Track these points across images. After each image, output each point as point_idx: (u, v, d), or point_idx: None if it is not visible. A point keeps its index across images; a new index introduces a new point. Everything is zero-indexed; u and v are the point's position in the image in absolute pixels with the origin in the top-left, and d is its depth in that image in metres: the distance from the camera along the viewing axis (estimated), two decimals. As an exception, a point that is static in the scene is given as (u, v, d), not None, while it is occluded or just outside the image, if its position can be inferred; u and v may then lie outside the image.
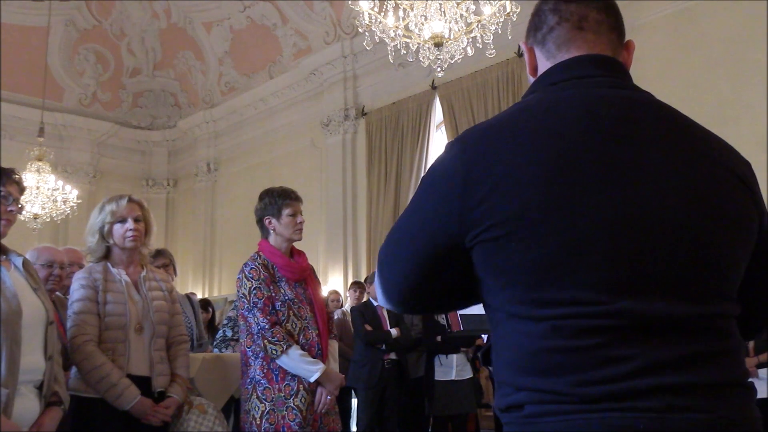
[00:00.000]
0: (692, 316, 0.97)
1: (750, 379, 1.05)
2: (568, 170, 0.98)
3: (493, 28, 5.28)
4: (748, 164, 1.12)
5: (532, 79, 1.19)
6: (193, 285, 11.75)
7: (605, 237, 0.96)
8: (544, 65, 1.16)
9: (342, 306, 7.41)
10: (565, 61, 1.12)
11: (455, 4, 5.24)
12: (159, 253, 4.16)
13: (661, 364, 0.93)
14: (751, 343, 4.82)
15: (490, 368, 1.11)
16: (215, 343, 4.54)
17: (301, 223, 3.02)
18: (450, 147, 1.08)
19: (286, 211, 2.99)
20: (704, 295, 0.99)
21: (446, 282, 1.09)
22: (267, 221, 3.02)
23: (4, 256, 2.27)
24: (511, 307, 1.00)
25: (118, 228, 2.72)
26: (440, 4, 5.21)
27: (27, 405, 2.14)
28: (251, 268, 2.92)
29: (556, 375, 0.94)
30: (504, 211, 0.98)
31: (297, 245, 3.13)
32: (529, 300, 0.98)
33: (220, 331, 4.61)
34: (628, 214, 0.97)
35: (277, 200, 3.00)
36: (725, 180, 1.04)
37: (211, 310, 5.95)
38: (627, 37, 1.20)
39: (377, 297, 1.21)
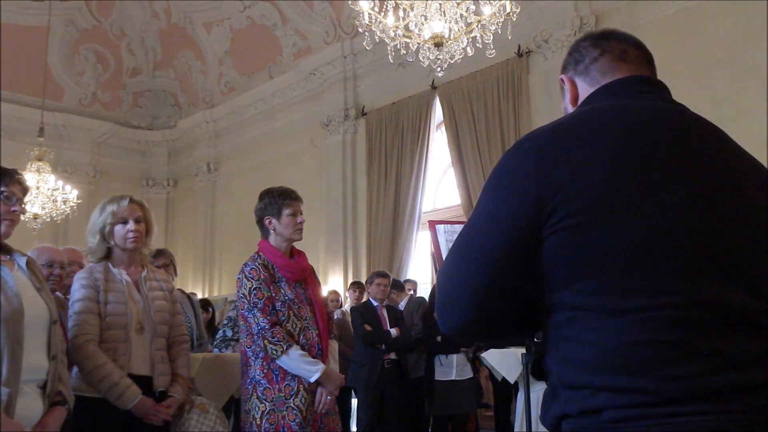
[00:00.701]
0: (766, 310, 0.98)
1: None
2: (644, 161, 1.01)
3: (493, 28, 5.28)
4: None
5: (570, 109, 1.25)
6: (193, 285, 11.75)
7: (686, 225, 0.98)
8: (586, 92, 1.22)
9: (341, 306, 7.42)
10: (617, 80, 1.19)
11: (455, 4, 5.24)
12: (159, 253, 4.17)
13: (745, 360, 0.93)
14: None
15: (547, 380, 1.06)
16: (215, 343, 4.55)
17: (301, 222, 3.02)
18: (518, 145, 1.09)
19: (286, 211, 2.99)
20: None
21: (513, 295, 1.05)
22: (267, 221, 3.02)
23: (8, 256, 2.28)
24: (586, 300, 0.97)
25: (119, 229, 2.73)
26: (440, 4, 5.21)
27: (30, 404, 2.14)
28: (251, 268, 2.92)
29: (641, 371, 0.92)
30: (583, 197, 0.98)
31: (297, 245, 3.14)
32: (609, 289, 0.96)
33: (220, 331, 4.62)
34: (703, 206, 1.00)
35: (277, 200, 3.00)
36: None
37: (211, 310, 5.95)
38: None
39: (438, 323, 1.11)
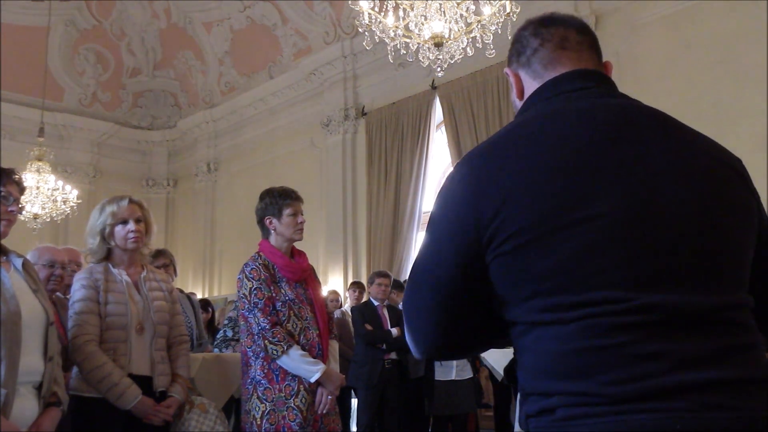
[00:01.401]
0: (716, 307, 0.98)
1: None
2: (576, 174, 1.00)
3: (493, 28, 5.28)
4: (739, 160, 1.15)
5: (518, 103, 1.23)
6: (193, 285, 11.75)
7: (623, 234, 0.98)
8: (531, 86, 1.20)
9: (341, 306, 7.41)
10: (554, 77, 1.16)
11: (455, 4, 5.24)
12: (159, 254, 4.17)
13: (691, 360, 0.93)
14: None
15: (515, 385, 1.09)
16: (216, 343, 4.55)
17: (301, 222, 3.02)
18: (455, 170, 1.10)
19: (286, 211, 2.99)
20: (723, 285, 1.00)
21: (474, 312, 1.08)
22: (268, 221, 3.02)
23: (4, 257, 2.28)
24: (536, 316, 1.00)
25: (119, 230, 2.73)
26: (440, 4, 5.21)
27: (26, 405, 2.14)
28: (252, 269, 2.92)
29: (587, 376, 0.94)
30: (519, 220, 0.99)
31: (297, 245, 3.14)
32: (555, 305, 0.98)
33: (221, 332, 4.62)
34: (641, 210, 0.99)
35: (278, 200, 3.00)
36: (724, 173, 1.08)
37: (211, 310, 5.95)
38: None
39: (408, 343, 1.17)
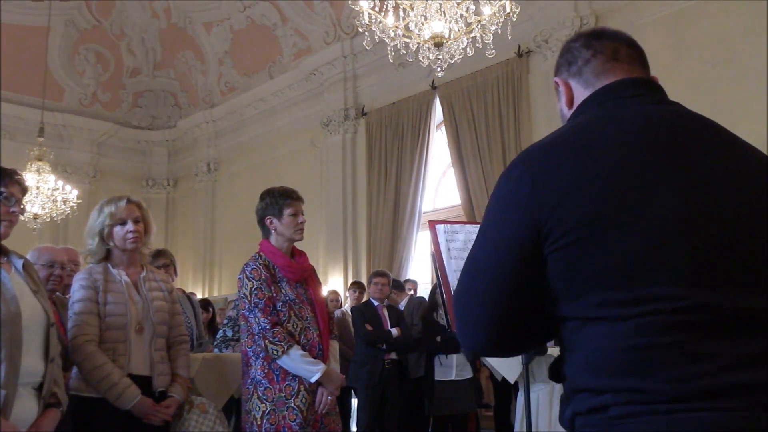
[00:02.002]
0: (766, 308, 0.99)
1: None
2: (634, 175, 1.03)
3: (493, 28, 5.28)
4: None
5: (567, 111, 1.26)
6: (193, 285, 11.75)
7: (680, 234, 1.00)
8: (582, 94, 1.23)
9: (341, 306, 7.41)
10: (609, 84, 1.19)
11: (455, 4, 5.24)
12: (160, 254, 4.17)
13: (749, 359, 0.94)
14: None
15: (563, 383, 1.10)
16: (216, 343, 4.55)
17: (302, 222, 3.02)
18: (512, 167, 1.12)
19: (287, 211, 2.99)
20: None
21: (528, 309, 1.09)
22: (268, 221, 3.02)
23: (5, 258, 2.27)
24: (590, 311, 1.01)
25: (118, 230, 2.73)
26: (440, 4, 5.20)
27: (26, 406, 2.14)
28: (252, 269, 2.92)
29: (644, 373, 0.95)
30: (577, 216, 1.02)
31: (297, 245, 3.14)
32: (611, 302, 0.99)
33: (221, 331, 4.62)
34: (697, 211, 1.01)
35: (279, 200, 3.00)
36: None
37: (211, 310, 5.95)
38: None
39: (461, 345, 1.18)
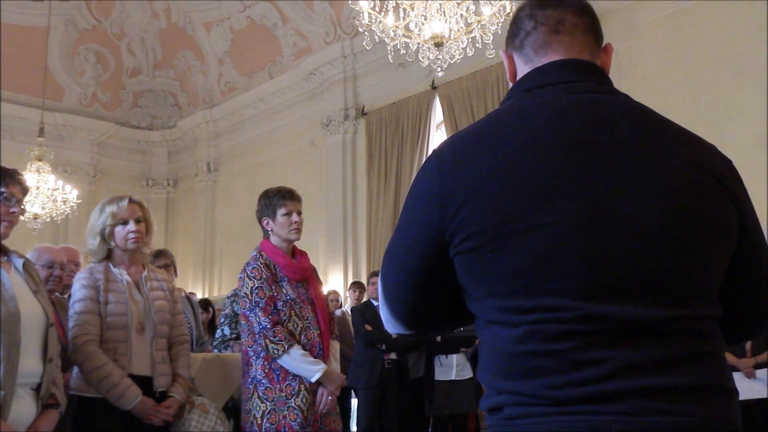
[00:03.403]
0: (667, 319, 0.97)
1: (749, 379, 1.05)
2: (539, 177, 1.00)
3: (493, 28, 5.28)
4: (728, 162, 1.11)
5: (510, 85, 1.20)
6: (193, 285, 11.75)
7: (576, 244, 0.98)
8: (523, 70, 1.17)
9: (341, 306, 7.41)
10: (539, 67, 1.13)
11: (455, 4, 5.24)
12: (160, 254, 4.17)
13: (634, 367, 0.94)
14: (748, 344, 4.74)
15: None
16: (215, 343, 4.55)
17: (296, 222, 3.00)
18: (427, 162, 1.12)
19: (280, 211, 2.99)
20: (680, 298, 0.99)
21: (444, 298, 1.12)
22: (265, 222, 3.03)
23: (5, 258, 2.27)
24: (490, 315, 1.03)
25: (119, 230, 2.73)
26: (440, 4, 5.21)
27: (24, 407, 2.14)
28: (253, 268, 2.93)
29: (531, 378, 0.97)
30: (477, 223, 1.01)
31: (297, 245, 3.14)
32: (505, 308, 1.01)
33: (219, 331, 4.62)
34: (599, 219, 0.98)
35: (272, 200, 3.01)
36: (700, 181, 1.04)
37: (211, 310, 5.95)
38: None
39: (385, 324, 1.22)
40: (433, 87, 8.63)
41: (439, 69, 5.45)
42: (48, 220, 9.87)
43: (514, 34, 1.18)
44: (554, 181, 0.99)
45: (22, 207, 2.29)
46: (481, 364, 1.08)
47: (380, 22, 5.29)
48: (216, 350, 4.43)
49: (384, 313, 1.17)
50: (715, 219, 1.04)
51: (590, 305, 0.96)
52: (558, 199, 0.98)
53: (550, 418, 0.95)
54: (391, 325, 1.17)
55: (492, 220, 1.00)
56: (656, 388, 0.94)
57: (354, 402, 6.42)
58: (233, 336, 4.32)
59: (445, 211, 1.03)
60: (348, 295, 7.47)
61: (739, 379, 4.32)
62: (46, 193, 9.50)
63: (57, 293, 3.21)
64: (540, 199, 0.99)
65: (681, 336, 0.98)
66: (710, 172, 1.05)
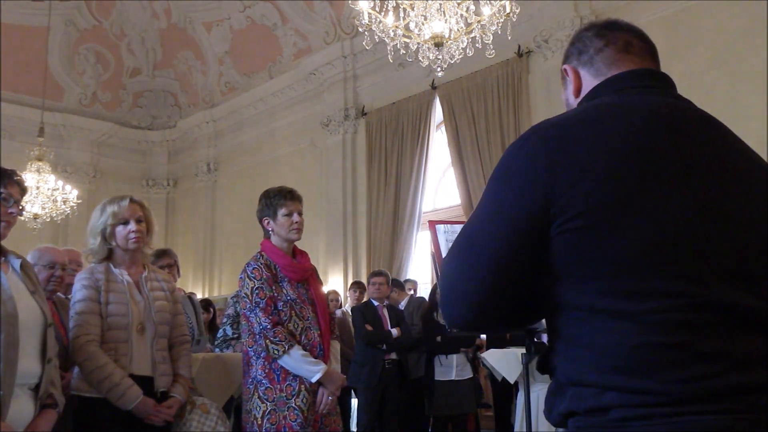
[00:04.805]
0: None
1: None
2: (653, 163, 1.01)
3: (493, 28, 5.28)
4: None
5: (573, 100, 1.23)
6: (193, 285, 11.75)
7: (691, 229, 0.98)
8: (591, 83, 1.20)
9: (341, 306, 7.42)
10: (622, 72, 1.17)
11: (455, 4, 5.24)
12: (163, 253, 4.16)
13: (753, 360, 0.93)
14: None
15: (553, 374, 1.06)
16: (216, 343, 4.54)
17: (297, 222, 3.00)
18: (525, 141, 1.07)
19: (281, 211, 2.99)
20: None
21: (518, 289, 1.06)
22: (265, 222, 3.03)
23: (3, 258, 2.27)
24: (596, 300, 0.98)
25: (120, 230, 2.73)
26: (440, 4, 5.20)
27: (22, 407, 2.14)
28: (254, 268, 2.93)
29: (649, 372, 0.93)
30: (591, 199, 0.98)
31: (298, 245, 3.14)
32: (618, 291, 0.97)
33: (221, 330, 4.61)
34: (711, 208, 1.00)
35: (273, 201, 3.00)
36: None
37: (212, 310, 5.95)
38: None
39: (441, 315, 1.14)
40: (433, 87, 8.63)
41: (439, 69, 5.45)
42: (48, 220, 9.87)
43: (581, 50, 1.23)
44: (668, 169, 1.01)
45: (21, 207, 2.28)
46: (573, 362, 1.00)
47: (380, 22, 5.29)
48: (218, 349, 4.42)
49: (448, 300, 1.09)
50: None
51: (709, 291, 0.95)
52: (673, 185, 1.00)
53: (666, 419, 0.90)
54: (453, 313, 1.09)
55: (606, 198, 0.98)
56: None
57: (354, 402, 6.42)
58: (235, 336, 4.32)
59: (555, 185, 1.00)
60: (348, 295, 7.47)
61: None
62: (46, 193, 9.50)
63: (59, 293, 3.21)
64: (656, 183, 0.99)
65: None
66: None
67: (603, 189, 0.98)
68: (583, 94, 1.21)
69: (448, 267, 1.10)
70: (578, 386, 0.99)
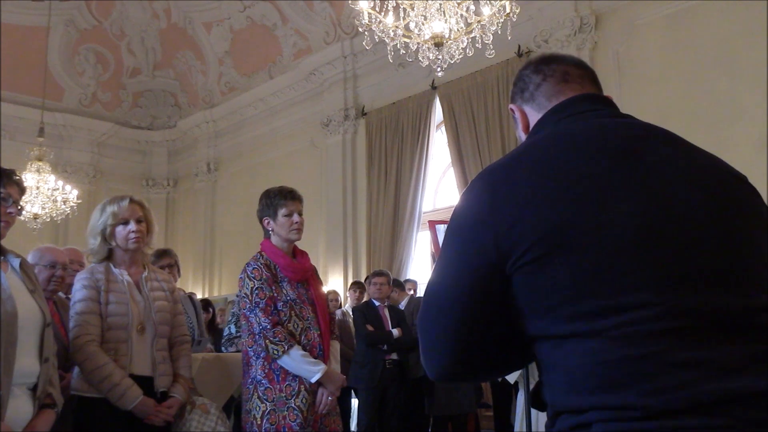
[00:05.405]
0: (745, 309, 0.97)
1: None
2: (594, 181, 1.02)
3: (493, 28, 5.28)
4: (746, 177, 1.16)
5: (523, 136, 1.27)
6: (193, 285, 11.75)
7: (648, 237, 0.98)
8: (535, 118, 1.24)
9: (341, 306, 7.41)
10: (561, 101, 1.20)
11: (455, 4, 5.24)
12: (164, 253, 4.16)
13: (731, 367, 0.92)
14: None
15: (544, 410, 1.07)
16: (222, 341, 4.55)
17: (297, 223, 3.00)
18: (471, 186, 1.12)
19: (281, 212, 2.99)
20: (750, 287, 1.00)
21: (490, 335, 1.07)
22: (265, 222, 3.03)
23: (2, 258, 2.27)
24: (565, 327, 0.99)
25: (120, 230, 2.73)
26: (440, 4, 5.21)
27: (20, 407, 2.14)
28: (253, 268, 2.93)
29: (624, 387, 0.92)
30: (539, 229, 1.00)
31: (298, 245, 3.14)
32: (582, 313, 0.97)
33: (226, 329, 4.63)
34: (662, 213, 1.00)
35: (273, 201, 3.00)
36: (738, 185, 1.10)
37: (211, 310, 5.96)
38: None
39: (425, 369, 1.16)
40: (433, 87, 8.63)
41: (439, 69, 5.45)
42: (48, 220, 9.87)
43: (522, 89, 1.27)
44: (610, 186, 1.02)
45: (20, 207, 2.28)
46: (554, 390, 1.01)
47: (380, 22, 5.29)
48: (223, 348, 4.43)
49: (426, 352, 1.12)
50: (761, 215, 1.09)
51: (673, 298, 0.95)
52: (616, 200, 1.00)
53: None
54: (432, 365, 1.11)
55: (554, 224, 0.99)
56: (754, 393, 0.91)
57: (354, 402, 6.41)
58: (238, 334, 4.34)
59: (500, 224, 1.02)
60: (348, 295, 7.47)
61: None
62: (46, 193, 9.50)
63: (60, 293, 3.20)
64: (598, 202, 1.00)
65: (761, 331, 0.97)
66: (742, 179, 1.13)
67: (546, 220, 1.00)
68: (530, 129, 1.25)
69: (421, 323, 1.13)
70: (563, 413, 1.00)
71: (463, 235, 1.08)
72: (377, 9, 5.31)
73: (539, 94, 1.24)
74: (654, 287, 0.95)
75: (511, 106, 1.31)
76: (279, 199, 3.00)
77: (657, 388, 0.91)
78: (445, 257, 1.10)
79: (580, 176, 1.02)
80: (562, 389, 0.99)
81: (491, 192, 1.06)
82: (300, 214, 3.03)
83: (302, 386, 2.82)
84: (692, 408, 0.90)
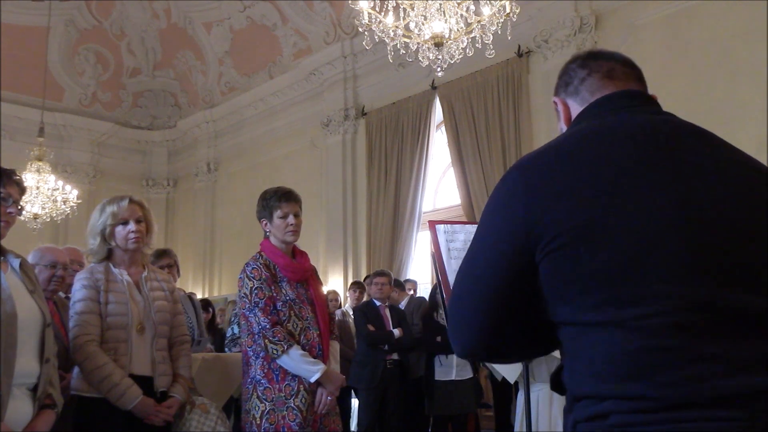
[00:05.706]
0: (765, 307, 0.98)
1: None
2: (628, 178, 1.04)
3: (493, 28, 5.28)
4: None
5: (565, 129, 1.28)
6: (193, 285, 11.75)
7: (675, 233, 1.00)
8: (577, 112, 1.26)
9: (340, 306, 7.41)
10: (603, 96, 1.22)
11: (455, 4, 5.24)
12: (163, 253, 4.16)
13: (746, 363, 0.93)
14: None
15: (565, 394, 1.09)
16: (225, 342, 4.55)
17: (293, 225, 2.99)
18: (507, 173, 1.14)
19: (276, 214, 2.99)
20: None
21: (523, 315, 1.10)
22: (263, 223, 3.03)
23: (2, 258, 2.27)
24: (586, 315, 1.01)
25: (120, 230, 2.73)
26: (440, 4, 5.20)
27: (20, 407, 2.13)
28: (253, 268, 2.93)
29: (643, 377, 0.94)
30: (570, 218, 1.02)
31: (297, 245, 3.14)
32: (606, 302, 0.99)
33: (229, 329, 4.63)
34: (692, 212, 1.01)
35: (269, 202, 3.01)
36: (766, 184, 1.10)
37: (211, 310, 5.96)
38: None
39: (453, 347, 1.19)
40: (433, 87, 8.63)
41: (439, 69, 5.45)
42: (48, 220, 9.87)
43: (567, 82, 1.29)
44: (645, 180, 1.04)
45: (20, 207, 2.28)
46: (575, 376, 1.04)
47: (380, 22, 5.29)
48: (227, 349, 4.43)
49: (455, 329, 1.15)
50: None
51: (699, 292, 0.96)
52: (652, 195, 1.02)
53: (666, 426, 0.91)
54: (461, 342, 1.15)
55: (588, 213, 1.02)
56: None
57: (354, 402, 6.41)
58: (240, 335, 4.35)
59: (533, 212, 1.05)
60: (348, 295, 7.47)
61: None
62: (46, 193, 9.50)
63: (60, 293, 3.20)
64: (635, 195, 1.02)
65: None
66: None
67: (581, 208, 1.02)
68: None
69: (454, 295, 1.16)
70: (582, 399, 1.02)
71: (496, 219, 1.12)
72: (377, 9, 5.31)
73: (583, 89, 1.26)
74: (677, 281, 0.97)
75: (555, 98, 1.33)
76: (275, 200, 3.00)
77: (674, 380, 0.92)
78: (480, 238, 1.14)
79: (611, 169, 1.05)
80: (583, 375, 1.02)
81: (526, 179, 1.09)
82: (297, 216, 3.02)
83: (301, 386, 2.82)
84: (708, 401, 0.91)
